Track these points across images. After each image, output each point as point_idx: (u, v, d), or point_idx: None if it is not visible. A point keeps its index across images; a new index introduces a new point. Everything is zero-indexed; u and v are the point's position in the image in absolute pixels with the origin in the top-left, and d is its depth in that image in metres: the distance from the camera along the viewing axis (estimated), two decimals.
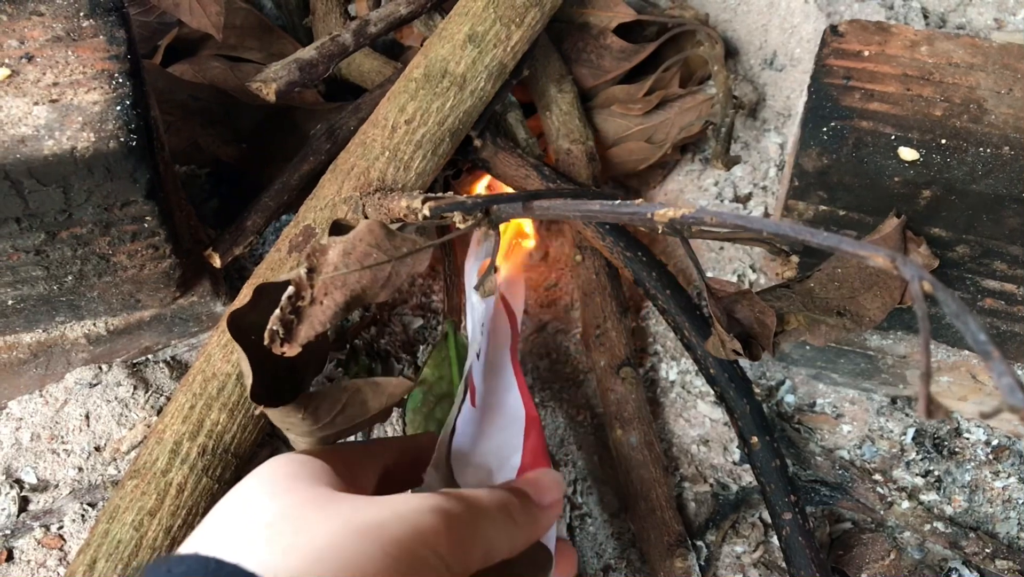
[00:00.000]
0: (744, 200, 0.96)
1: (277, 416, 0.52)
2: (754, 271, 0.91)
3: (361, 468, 0.50)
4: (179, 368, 0.81)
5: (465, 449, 0.59)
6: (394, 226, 0.57)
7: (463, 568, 0.42)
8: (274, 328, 0.50)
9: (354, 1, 1.02)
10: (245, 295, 0.69)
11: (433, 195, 0.58)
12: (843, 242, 0.41)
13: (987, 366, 0.34)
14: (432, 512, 0.41)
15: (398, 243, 0.52)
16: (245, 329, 0.52)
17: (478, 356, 0.59)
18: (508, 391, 0.64)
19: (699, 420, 0.87)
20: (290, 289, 0.50)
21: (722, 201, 0.96)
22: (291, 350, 0.51)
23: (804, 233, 0.42)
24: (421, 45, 0.79)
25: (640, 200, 0.49)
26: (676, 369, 0.90)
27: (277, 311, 0.50)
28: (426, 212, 0.56)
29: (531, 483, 0.52)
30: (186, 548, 0.39)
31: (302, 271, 0.50)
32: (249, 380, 0.51)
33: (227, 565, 0.36)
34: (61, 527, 0.73)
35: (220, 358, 0.65)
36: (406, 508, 0.41)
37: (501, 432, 0.62)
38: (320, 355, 0.59)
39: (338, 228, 0.55)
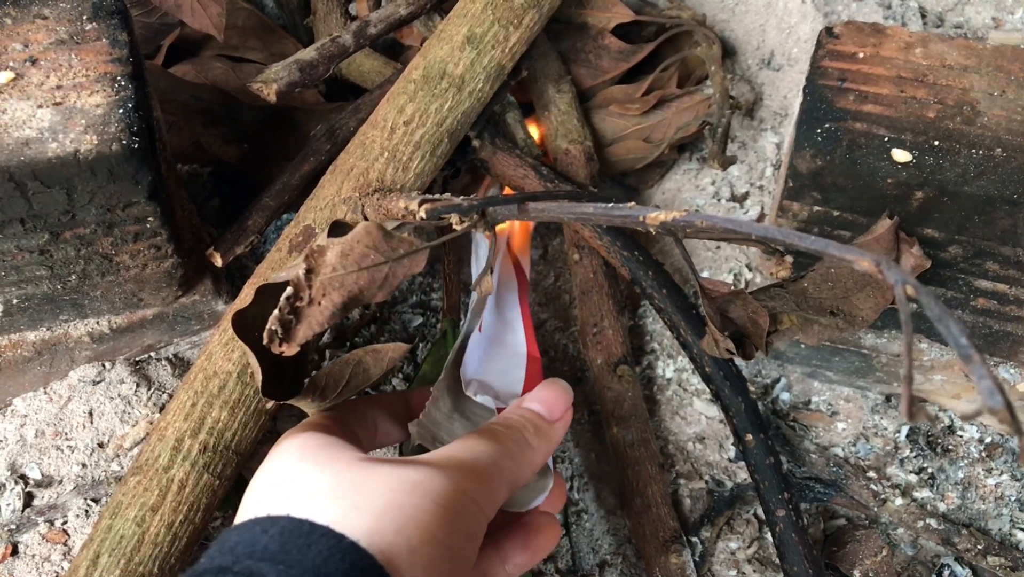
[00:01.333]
0: (741, 199, 0.97)
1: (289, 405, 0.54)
2: (750, 270, 0.92)
3: (361, 429, 0.55)
4: (181, 366, 0.82)
5: (472, 369, 0.63)
6: (392, 226, 0.58)
7: (494, 504, 0.47)
8: (273, 328, 0.51)
9: (355, 1, 1.03)
10: (246, 295, 0.70)
11: (430, 196, 0.59)
12: (830, 246, 0.42)
13: (968, 369, 0.35)
14: (462, 467, 0.46)
15: (395, 244, 0.53)
16: (248, 328, 0.54)
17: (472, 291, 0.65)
18: (513, 331, 0.70)
19: (695, 417, 0.87)
20: (288, 290, 0.51)
21: (719, 200, 0.97)
22: (289, 350, 0.52)
23: (792, 237, 0.43)
24: (421, 45, 0.80)
25: (632, 203, 0.49)
26: (672, 367, 0.91)
27: (276, 311, 0.51)
28: (422, 214, 0.57)
29: (541, 399, 0.55)
30: (260, 512, 0.42)
31: (300, 272, 0.51)
32: (259, 377, 0.52)
33: (319, 526, 0.40)
34: (65, 522, 0.74)
35: (221, 356, 0.66)
36: (440, 466, 0.46)
37: (504, 361, 0.68)
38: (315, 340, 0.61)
39: (337, 228, 0.56)
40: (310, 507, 0.42)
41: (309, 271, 0.52)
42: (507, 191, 0.90)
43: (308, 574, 0.37)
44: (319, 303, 0.52)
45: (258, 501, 0.45)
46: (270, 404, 0.62)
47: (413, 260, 0.54)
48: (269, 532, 0.40)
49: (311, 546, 0.39)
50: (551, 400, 0.55)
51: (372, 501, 0.42)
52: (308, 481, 0.45)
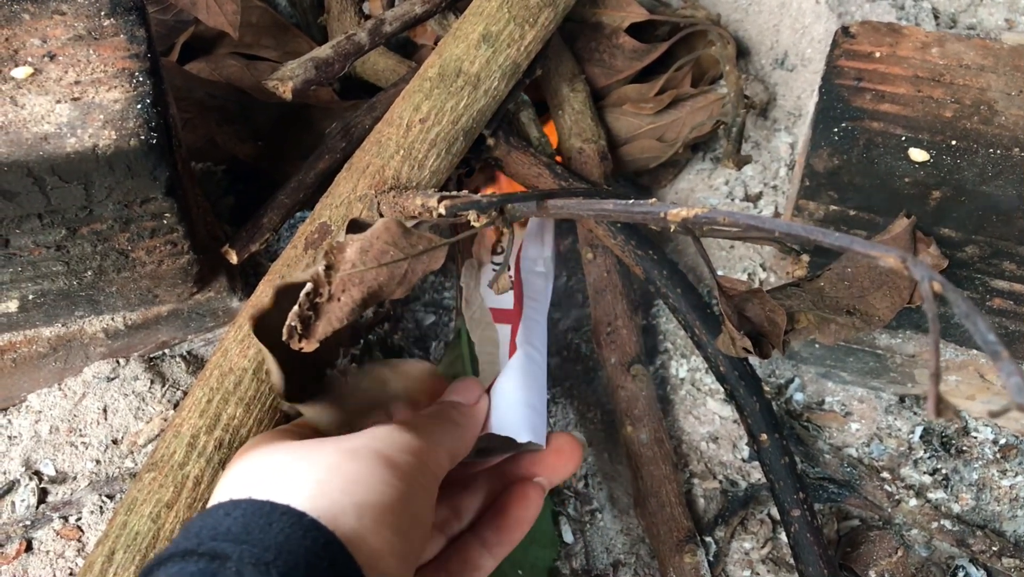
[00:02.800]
0: (754, 199, 0.97)
1: (311, 413, 0.53)
2: (764, 269, 0.92)
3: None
4: (195, 363, 0.82)
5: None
6: (409, 224, 0.58)
7: (437, 467, 0.50)
8: (292, 324, 0.51)
9: (368, 0, 1.03)
10: (261, 292, 0.70)
11: (449, 193, 0.59)
12: (855, 242, 0.42)
13: (996, 366, 0.35)
14: (399, 429, 0.49)
15: (414, 241, 0.53)
16: (269, 330, 0.53)
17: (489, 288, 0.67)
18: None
19: (709, 417, 0.87)
20: (308, 286, 0.51)
21: (733, 200, 0.97)
22: (309, 346, 0.52)
23: (816, 233, 0.43)
24: (435, 44, 0.80)
25: (653, 200, 0.49)
26: (686, 367, 0.90)
27: (296, 307, 0.51)
28: (442, 210, 0.57)
29: (453, 391, 0.58)
30: (223, 498, 0.44)
31: (320, 268, 0.51)
32: (279, 380, 0.52)
33: (280, 505, 0.41)
34: (79, 518, 0.74)
35: (237, 353, 0.66)
36: (380, 432, 0.49)
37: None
38: (336, 349, 0.60)
39: (355, 226, 0.56)
40: (271, 489, 0.43)
41: (329, 267, 0.52)
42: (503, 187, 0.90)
43: (270, 552, 0.38)
44: (339, 299, 0.52)
45: (222, 490, 0.46)
46: (286, 406, 0.61)
47: (432, 256, 0.54)
48: (232, 514, 0.41)
49: (272, 525, 0.40)
50: (463, 389, 0.58)
51: (314, 472, 0.44)
52: (269, 465, 0.46)
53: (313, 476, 0.44)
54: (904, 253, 0.39)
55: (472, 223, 0.56)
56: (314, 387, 0.56)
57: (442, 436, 0.52)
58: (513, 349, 0.71)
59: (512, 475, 0.60)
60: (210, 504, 0.46)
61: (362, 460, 0.46)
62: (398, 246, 0.52)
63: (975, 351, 0.80)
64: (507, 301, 0.76)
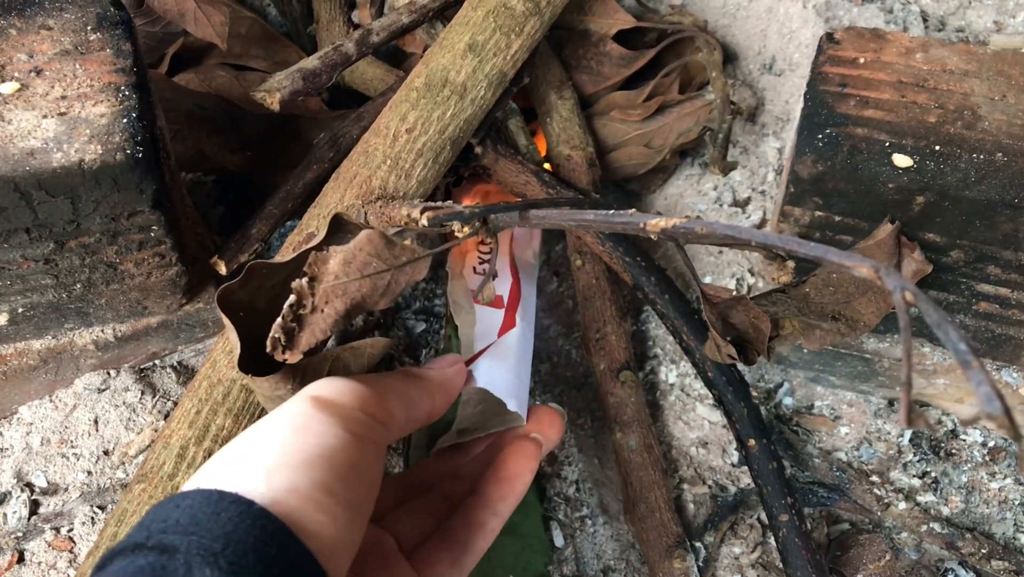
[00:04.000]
0: (743, 204, 0.97)
1: (266, 387, 0.53)
2: (752, 275, 0.92)
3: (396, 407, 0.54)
4: (186, 373, 0.82)
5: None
6: (393, 232, 0.59)
7: (386, 417, 0.49)
8: (276, 336, 0.51)
9: (358, 9, 1.03)
10: (242, 272, 0.70)
11: (432, 204, 0.59)
12: (829, 252, 0.42)
13: (966, 375, 0.35)
14: (346, 380, 0.49)
15: (397, 252, 0.54)
16: (234, 305, 0.54)
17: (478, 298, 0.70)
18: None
19: (698, 423, 0.88)
20: (292, 297, 0.51)
21: (721, 206, 0.97)
22: (292, 357, 0.52)
23: (791, 244, 0.43)
24: (423, 53, 0.80)
25: (633, 210, 0.50)
26: (675, 372, 0.91)
27: (279, 319, 0.51)
28: (424, 222, 0.57)
29: (429, 364, 0.58)
30: (187, 487, 0.44)
31: (303, 280, 0.51)
32: (238, 350, 0.52)
33: (228, 494, 0.41)
34: (71, 530, 0.74)
35: (225, 364, 0.67)
36: (324, 381, 0.49)
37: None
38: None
39: (338, 223, 0.56)
40: (221, 477, 0.43)
41: (312, 279, 0.52)
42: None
43: (218, 541, 0.38)
44: (322, 310, 0.52)
45: (199, 474, 0.46)
46: (245, 380, 0.61)
47: (415, 267, 0.54)
48: (181, 505, 0.41)
49: (220, 514, 0.40)
50: (438, 361, 0.59)
51: (276, 457, 0.43)
52: (224, 452, 0.46)
53: (260, 459, 0.44)
54: (877, 263, 0.39)
55: (456, 233, 0.57)
56: (275, 364, 0.56)
57: (403, 394, 0.52)
58: (511, 324, 0.72)
59: (503, 442, 0.61)
60: None
61: (307, 420, 0.45)
62: (381, 257, 0.53)
63: None
64: (504, 286, 0.77)
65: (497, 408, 0.63)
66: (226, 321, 0.52)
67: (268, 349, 0.51)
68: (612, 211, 0.51)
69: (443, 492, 0.59)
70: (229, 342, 0.60)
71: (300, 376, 0.56)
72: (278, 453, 0.44)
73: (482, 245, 0.79)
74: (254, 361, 0.53)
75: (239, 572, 0.37)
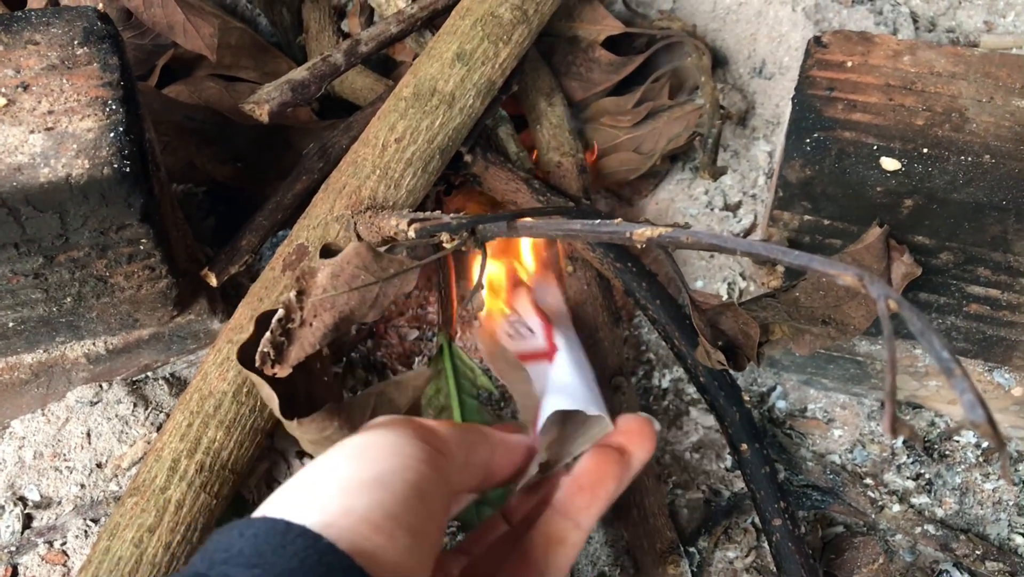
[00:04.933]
0: (734, 208, 0.97)
1: (312, 429, 0.53)
2: (744, 278, 0.92)
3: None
4: (178, 385, 0.82)
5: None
6: (384, 246, 0.59)
7: (455, 462, 0.47)
8: (265, 350, 0.51)
9: (347, 18, 1.03)
10: (240, 314, 0.71)
11: (419, 215, 0.59)
12: (813, 261, 0.42)
13: (949, 383, 0.35)
14: (412, 419, 0.47)
15: (385, 264, 0.54)
16: (253, 359, 0.53)
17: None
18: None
19: (692, 427, 0.88)
20: (280, 312, 0.51)
21: (712, 210, 0.97)
22: (282, 371, 0.52)
23: (776, 252, 0.44)
24: (413, 61, 0.80)
25: (619, 220, 0.50)
26: (669, 377, 0.91)
27: (268, 334, 0.51)
28: (411, 233, 0.57)
29: (496, 426, 0.55)
30: (255, 515, 0.42)
31: (292, 294, 0.52)
32: (275, 402, 0.52)
33: (295, 526, 0.39)
34: (64, 543, 0.74)
35: (216, 376, 0.67)
36: (395, 425, 0.46)
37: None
38: (326, 362, 0.60)
39: (328, 251, 0.56)
40: (287, 508, 0.41)
41: (300, 293, 0.52)
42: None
43: None
44: (311, 324, 0.52)
45: (268, 502, 0.44)
46: (294, 425, 0.61)
47: (403, 280, 0.54)
48: (245, 535, 0.39)
49: (286, 547, 0.38)
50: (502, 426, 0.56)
51: (345, 501, 0.41)
52: (292, 481, 0.44)
53: (329, 491, 0.42)
54: (861, 271, 0.39)
55: (444, 244, 0.57)
56: (310, 402, 0.56)
57: (452, 430, 0.49)
58: (553, 349, 0.70)
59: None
60: None
61: (364, 448, 0.44)
62: (369, 270, 0.53)
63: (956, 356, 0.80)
64: (537, 335, 0.75)
65: (577, 426, 0.58)
66: (256, 379, 0.51)
67: (257, 364, 0.51)
68: (599, 221, 0.51)
69: (523, 521, 0.54)
70: (265, 399, 0.59)
71: (346, 415, 0.55)
72: (338, 481, 0.42)
73: (510, 314, 0.78)
74: (292, 407, 0.53)
75: None
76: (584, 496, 0.51)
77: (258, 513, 0.42)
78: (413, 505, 0.42)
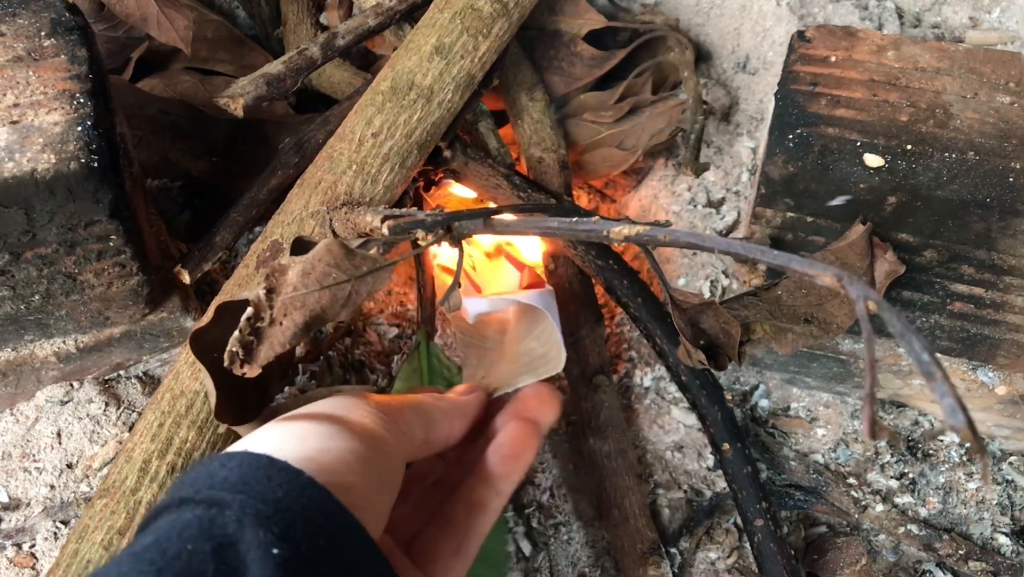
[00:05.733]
0: (717, 205, 0.96)
1: (245, 432, 0.53)
2: (727, 276, 0.91)
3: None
4: (151, 383, 0.81)
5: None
6: (358, 242, 0.57)
7: (415, 439, 0.50)
8: (234, 349, 0.50)
9: (326, 11, 1.02)
10: (211, 313, 0.69)
11: (393, 212, 0.58)
12: (792, 261, 0.41)
13: (930, 386, 0.35)
14: (376, 410, 0.49)
15: (357, 262, 0.52)
16: (208, 347, 0.53)
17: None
18: None
19: (673, 426, 0.87)
20: (249, 310, 0.50)
21: (695, 207, 0.96)
22: (251, 371, 0.51)
23: (754, 251, 0.42)
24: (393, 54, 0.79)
25: (596, 217, 0.49)
26: (651, 375, 0.90)
27: (236, 332, 0.50)
28: (385, 230, 0.56)
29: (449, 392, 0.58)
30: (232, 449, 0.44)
31: (261, 292, 0.50)
32: (213, 399, 0.52)
33: (278, 461, 0.41)
34: (33, 545, 0.73)
35: (188, 376, 0.65)
36: (343, 400, 0.49)
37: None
38: (284, 367, 0.59)
39: (301, 245, 0.55)
40: (266, 445, 0.43)
41: (270, 291, 0.51)
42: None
43: (270, 506, 0.38)
44: (280, 323, 0.51)
45: (245, 440, 0.46)
46: (223, 428, 0.61)
47: (376, 277, 0.53)
48: (228, 465, 0.41)
49: (271, 479, 0.40)
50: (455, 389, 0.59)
51: (318, 443, 0.43)
52: (272, 426, 0.46)
53: (306, 432, 0.44)
54: (841, 271, 0.38)
55: (419, 241, 0.55)
56: (255, 408, 0.55)
57: (413, 406, 0.51)
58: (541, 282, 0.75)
59: (501, 423, 0.58)
60: None
61: (351, 440, 0.45)
62: (340, 268, 0.51)
63: (938, 354, 0.80)
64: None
65: (529, 360, 0.61)
66: (200, 366, 0.51)
67: (226, 363, 0.50)
68: (575, 219, 0.50)
69: (442, 481, 0.57)
70: (206, 391, 0.58)
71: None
72: (314, 425, 0.45)
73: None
74: (232, 404, 0.52)
75: (288, 540, 0.37)
76: (507, 465, 0.54)
77: (237, 447, 0.44)
78: (380, 455, 0.45)
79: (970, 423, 0.33)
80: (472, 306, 0.68)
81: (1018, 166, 0.70)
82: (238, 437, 0.63)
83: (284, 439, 0.43)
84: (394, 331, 0.93)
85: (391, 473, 0.47)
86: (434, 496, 0.56)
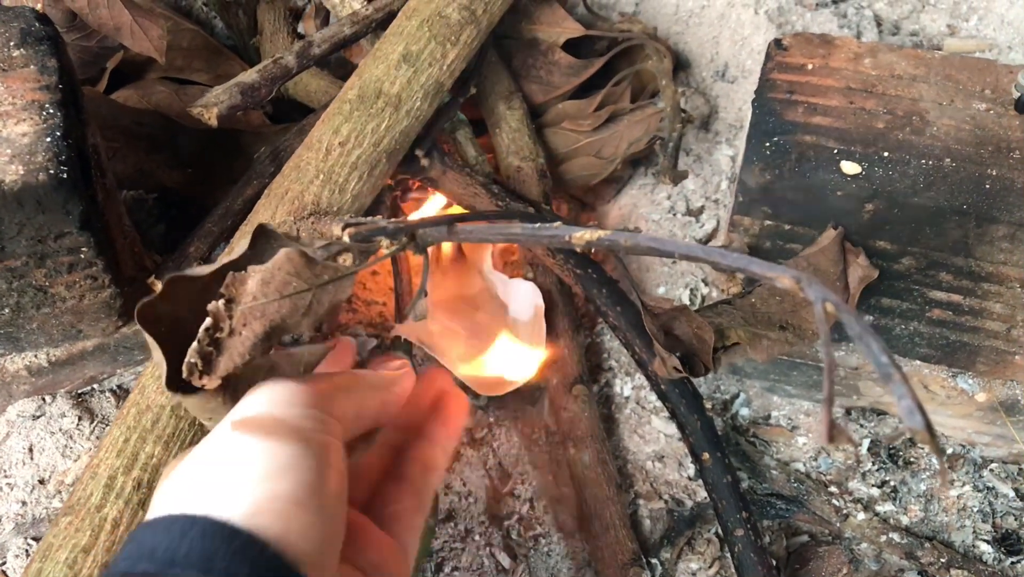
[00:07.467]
0: (696, 213, 0.96)
1: (196, 404, 0.51)
2: (706, 284, 0.91)
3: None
4: (125, 397, 0.80)
5: None
6: (320, 250, 0.57)
7: (347, 422, 0.48)
8: (192, 361, 0.49)
9: (303, 20, 1.02)
10: (163, 286, 0.68)
11: (353, 220, 0.57)
12: (752, 264, 0.41)
13: (888, 388, 0.34)
14: (295, 386, 0.48)
15: (319, 271, 0.52)
16: (157, 320, 0.51)
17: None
18: None
19: (654, 436, 0.86)
20: (208, 321, 0.49)
21: (675, 215, 0.96)
22: (211, 383, 0.50)
23: (714, 255, 0.42)
24: None
25: (558, 223, 0.48)
26: (631, 385, 0.89)
27: (195, 344, 0.49)
28: (346, 239, 0.55)
29: (375, 363, 0.57)
30: (175, 508, 0.41)
31: (220, 302, 0.49)
32: (163, 367, 0.50)
33: (242, 532, 0.39)
34: (4, 563, 0.72)
35: (154, 390, 0.64)
36: (272, 396, 0.47)
37: None
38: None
39: (263, 232, 0.54)
40: (227, 505, 0.41)
41: (229, 301, 0.50)
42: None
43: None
44: (240, 333, 0.50)
45: (175, 491, 0.43)
46: (175, 400, 0.59)
47: (339, 286, 0.52)
48: (189, 535, 0.39)
49: (235, 555, 0.38)
50: (384, 361, 0.57)
51: (257, 485, 0.42)
52: (207, 472, 0.44)
53: (245, 479, 0.42)
54: (798, 273, 0.38)
55: (382, 250, 0.55)
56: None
57: (342, 387, 0.51)
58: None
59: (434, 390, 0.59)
60: (164, 498, 0.44)
61: (239, 448, 0.44)
62: (301, 276, 0.51)
63: (918, 362, 0.79)
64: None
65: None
66: (148, 337, 0.50)
67: (184, 375, 0.49)
68: (538, 225, 0.49)
69: (384, 444, 0.57)
70: (155, 361, 0.58)
71: (232, 388, 0.53)
72: (251, 471, 0.42)
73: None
74: (181, 376, 0.51)
75: None
76: (449, 426, 0.56)
77: (183, 504, 0.41)
78: (314, 488, 0.43)
79: (928, 424, 0.32)
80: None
81: (994, 172, 0.70)
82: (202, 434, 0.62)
83: (230, 490, 0.42)
84: (373, 342, 0.92)
85: (330, 482, 0.45)
86: (382, 454, 0.56)
